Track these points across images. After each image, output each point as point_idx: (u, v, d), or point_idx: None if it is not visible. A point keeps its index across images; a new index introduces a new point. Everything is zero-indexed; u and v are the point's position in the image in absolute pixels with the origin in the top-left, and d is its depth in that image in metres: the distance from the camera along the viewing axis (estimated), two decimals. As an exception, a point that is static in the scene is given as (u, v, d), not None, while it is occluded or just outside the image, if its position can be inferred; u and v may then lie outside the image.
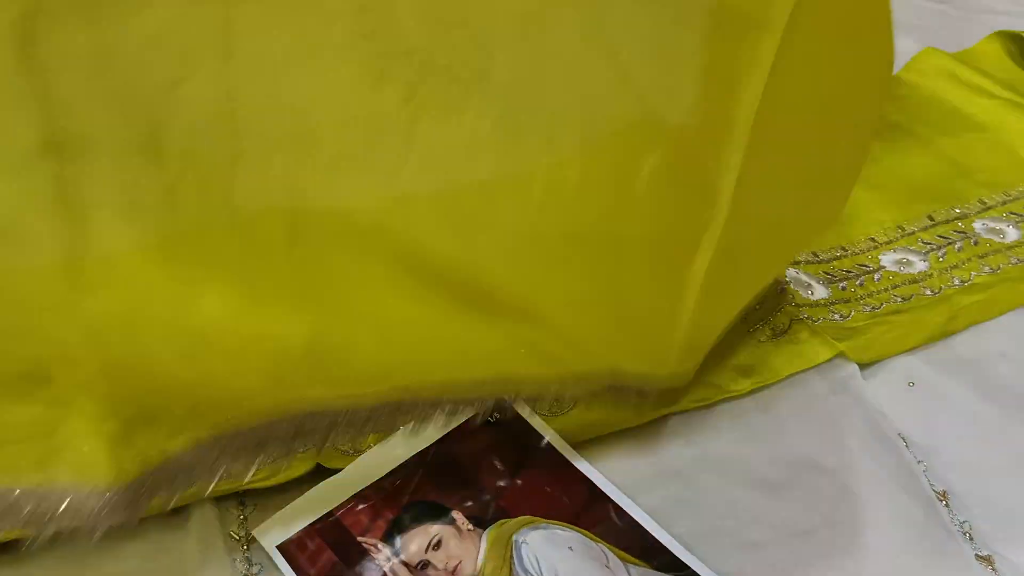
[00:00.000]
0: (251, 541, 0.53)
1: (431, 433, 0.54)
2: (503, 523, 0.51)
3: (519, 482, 0.53)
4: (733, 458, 0.57)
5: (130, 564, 0.53)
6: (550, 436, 0.54)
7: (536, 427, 0.55)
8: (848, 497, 0.55)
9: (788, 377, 0.61)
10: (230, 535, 0.54)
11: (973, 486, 0.55)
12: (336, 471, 0.55)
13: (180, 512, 0.54)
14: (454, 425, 0.55)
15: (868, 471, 0.56)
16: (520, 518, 0.52)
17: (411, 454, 0.55)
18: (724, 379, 0.61)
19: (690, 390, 0.60)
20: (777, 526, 0.54)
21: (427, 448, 0.55)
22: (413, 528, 0.52)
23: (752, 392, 0.61)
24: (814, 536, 0.53)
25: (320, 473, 0.55)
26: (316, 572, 0.51)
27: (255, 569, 0.52)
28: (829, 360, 0.60)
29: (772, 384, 0.61)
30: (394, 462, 0.54)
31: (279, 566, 0.51)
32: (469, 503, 0.53)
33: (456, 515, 0.52)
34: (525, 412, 0.55)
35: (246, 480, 0.53)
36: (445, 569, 0.50)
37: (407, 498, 0.53)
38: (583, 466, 0.54)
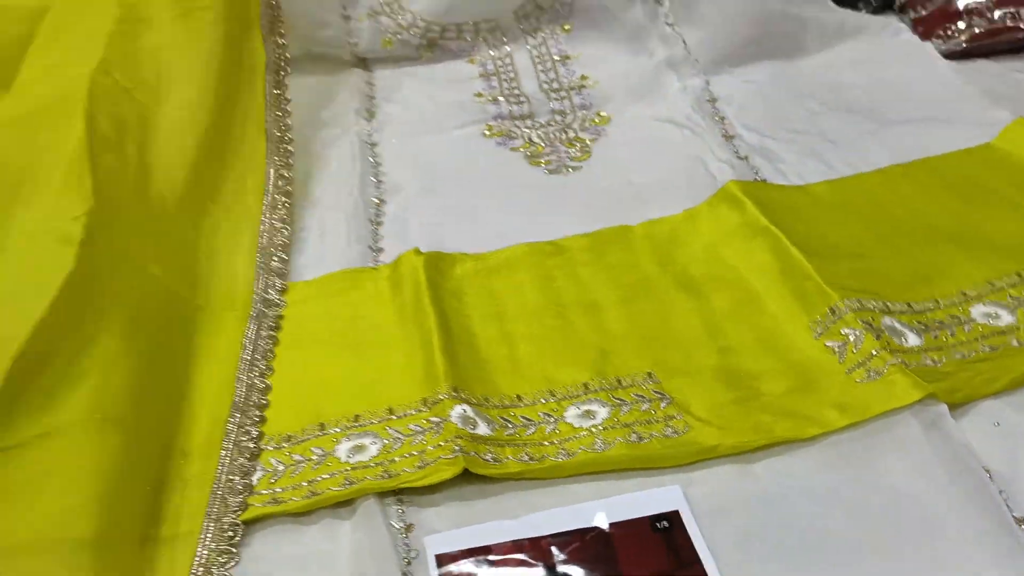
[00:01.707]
0: (408, 529, 0.63)
1: (600, 516, 0.62)
2: None
3: None
4: (826, 484, 0.64)
5: (307, 547, 0.63)
6: (704, 554, 0.60)
7: (697, 544, 0.61)
8: (933, 522, 0.61)
9: (882, 415, 0.67)
10: (390, 525, 0.63)
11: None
12: (480, 476, 0.64)
13: (348, 504, 0.64)
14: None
15: (953, 498, 0.62)
16: None
17: (577, 525, 0.62)
18: (823, 415, 0.68)
19: (790, 424, 0.67)
20: (864, 547, 0.60)
21: (592, 526, 0.62)
22: (551, 590, 0.60)
23: (848, 427, 0.67)
24: (899, 556, 0.59)
25: (466, 476, 0.64)
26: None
27: (412, 555, 0.61)
28: (921, 400, 0.66)
29: (867, 421, 0.67)
30: (559, 527, 0.62)
31: (431, 570, 0.61)
32: (608, 585, 0.59)
33: (594, 592, 0.59)
34: (691, 525, 0.62)
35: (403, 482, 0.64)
36: None
37: (556, 561, 0.61)
38: None
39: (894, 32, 1.18)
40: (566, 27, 1.23)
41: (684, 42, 1.16)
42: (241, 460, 0.67)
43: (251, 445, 0.68)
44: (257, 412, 0.71)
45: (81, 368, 0.64)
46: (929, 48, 1.14)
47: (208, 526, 0.62)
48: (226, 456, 0.67)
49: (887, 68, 1.13)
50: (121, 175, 0.80)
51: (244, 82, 0.99)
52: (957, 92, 1.07)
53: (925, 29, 1.17)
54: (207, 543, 0.61)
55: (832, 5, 1.23)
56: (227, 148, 0.93)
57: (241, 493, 0.64)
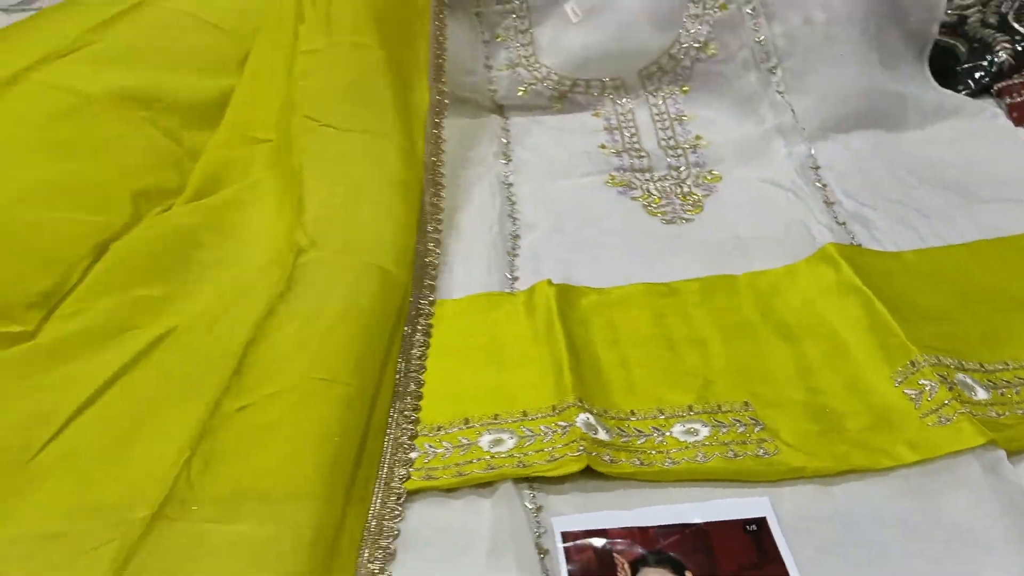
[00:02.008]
0: (539, 510, 0.77)
1: (699, 515, 0.75)
2: None
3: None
4: (894, 511, 0.75)
5: (453, 518, 0.77)
6: (786, 554, 0.72)
7: (780, 546, 0.73)
8: (986, 553, 0.71)
9: (948, 455, 0.78)
10: (524, 505, 0.77)
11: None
12: (599, 473, 0.77)
13: (488, 486, 0.78)
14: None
15: (1005, 533, 0.72)
16: None
17: (678, 521, 0.75)
18: (896, 450, 0.79)
19: (867, 455, 0.79)
20: (922, 569, 0.71)
21: (692, 523, 0.75)
22: (654, 567, 0.72)
23: (918, 464, 0.78)
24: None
25: (587, 472, 0.78)
26: (577, 559, 0.72)
27: (542, 530, 0.75)
28: (983, 445, 0.77)
29: (935, 459, 0.78)
30: (664, 520, 0.75)
31: (556, 543, 0.74)
32: (702, 571, 0.71)
33: (688, 574, 0.71)
34: (776, 531, 0.74)
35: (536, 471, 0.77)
36: None
37: (661, 546, 0.74)
38: None
39: (990, 116, 1.28)
40: (684, 89, 1.37)
41: (793, 111, 1.28)
42: (403, 439, 0.82)
43: (410, 428, 0.83)
44: (413, 402, 0.86)
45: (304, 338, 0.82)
46: (1021, 133, 1.24)
47: (378, 491, 0.77)
48: (390, 436, 0.82)
49: (981, 149, 1.22)
50: None
51: (412, 118, 1.15)
52: (1045, 177, 1.16)
53: (1019, 115, 1.26)
54: (377, 505, 0.76)
55: (934, 85, 1.33)
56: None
57: (404, 466, 0.79)
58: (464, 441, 0.83)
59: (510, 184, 1.23)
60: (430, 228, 1.08)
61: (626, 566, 0.72)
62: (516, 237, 1.12)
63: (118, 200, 1.02)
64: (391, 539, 0.74)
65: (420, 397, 0.87)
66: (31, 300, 0.90)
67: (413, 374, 0.89)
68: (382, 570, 0.71)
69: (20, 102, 1.07)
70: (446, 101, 1.25)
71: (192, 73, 1.18)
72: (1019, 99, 1.29)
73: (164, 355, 0.86)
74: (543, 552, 0.73)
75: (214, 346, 0.85)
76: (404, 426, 0.83)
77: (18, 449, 0.77)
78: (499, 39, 1.38)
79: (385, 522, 0.75)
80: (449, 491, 0.79)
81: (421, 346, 0.93)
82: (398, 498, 0.77)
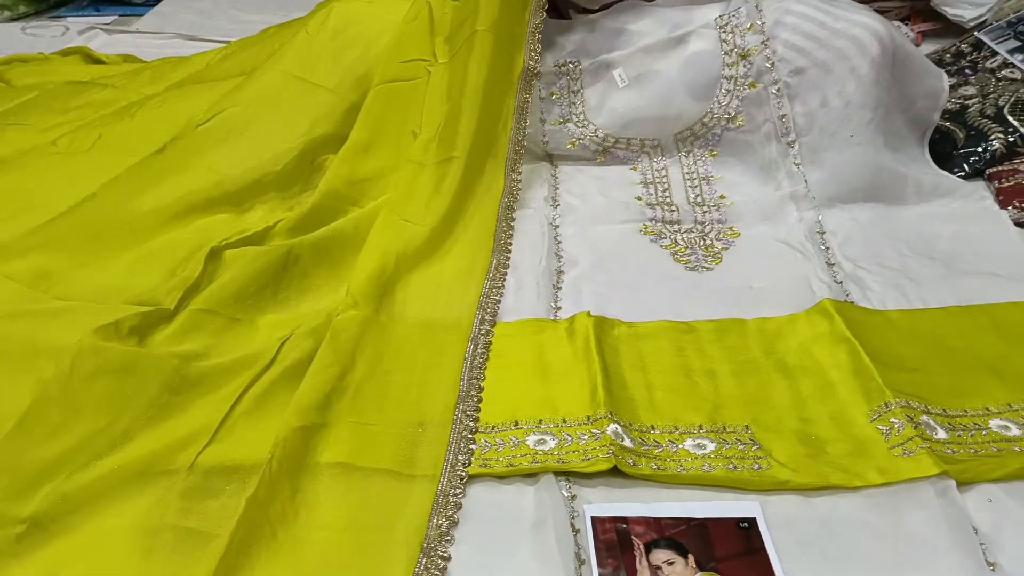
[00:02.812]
0: (573, 498, 0.95)
1: (701, 512, 0.93)
2: (713, 574, 0.88)
3: (736, 561, 0.89)
4: (862, 519, 0.93)
5: (504, 498, 0.96)
6: (769, 546, 0.90)
7: (765, 539, 0.90)
8: (932, 556, 0.89)
9: (909, 480, 0.96)
10: (562, 494, 0.95)
11: (1018, 563, 0.88)
12: (623, 473, 0.96)
13: (533, 476, 0.97)
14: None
15: (949, 543, 0.90)
16: None
17: (685, 515, 0.93)
18: (867, 474, 0.97)
19: (843, 476, 0.97)
20: (882, 562, 0.89)
21: (696, 517, 0.93)
22: (664, 549, 0.90)
23: (883, 484, 0.96)
24: (903, 571, 0.88)
25: (614, 471, 0.96)
26: (602, 537, 0.91)
27: (576, 514, 0.93)
28: (938, 475, 0.95)
29: (897, 483, 0.96)
30: (672, 514, 0.93)
31: (587, 524, 0.92)
32: (701, 554, 0.89)
33: (690, 556, 0.90)
34: (763, 529, 0.92)
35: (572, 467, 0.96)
36: None
37: (669, 533, 0.92)
38: (779, 572, 0.87)
39: (979, 198, 1.44)
40: (713, 153, 1.55)
41: (806, 180, 1.46)
42: (465, 433, 1.00)
43: (471, 424, 1.02)
44: (474, 404, 1.05)
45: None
46: (1005, 215, 1.40)
47: (445, 471, 0.96)
48: (456, 427, 1.01)
49: (969, 226, 1.38)
50: None
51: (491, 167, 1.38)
52: (1021, 255, 1.33)
53: (1005, 199, 1.42)
54: (444, 482, 0.95)
55: (933, 167, 1.50)
56: (470, 224, 1.31)
57: (466, 454, 0.98)
58: (514, 440, 1.01)
59: (557, 225, 1.42)
60: (494, 263, 1.28)
61: (641, 546, 0.90)
62: (560, 272, 1.31)
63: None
64: (455, 509, 0.92)
65: (480, 400, 1.06)
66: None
67: (475, 381, 1.08)
68: (448, 531, 0.90)
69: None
70: (519, 152, 1.46)
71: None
72: (1007, 184, 1.45)
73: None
74: (576, 530, 0.91)
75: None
76: (467, 423, 1.02)
77: None
78: (553, 96, 1.57)
79: (450, 497, 0.93)
80: (501, 478, 0.98)
81: (482, 359, 1.11)
82: (461, 478, 0.95)
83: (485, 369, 1.11)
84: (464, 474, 0.96)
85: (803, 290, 1.26)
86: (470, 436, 1.01)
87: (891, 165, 1.45)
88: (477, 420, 1.03)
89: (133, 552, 0.86)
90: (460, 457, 0.97)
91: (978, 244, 1.35)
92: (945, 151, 1.54)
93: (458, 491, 0.94)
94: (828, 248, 1.35)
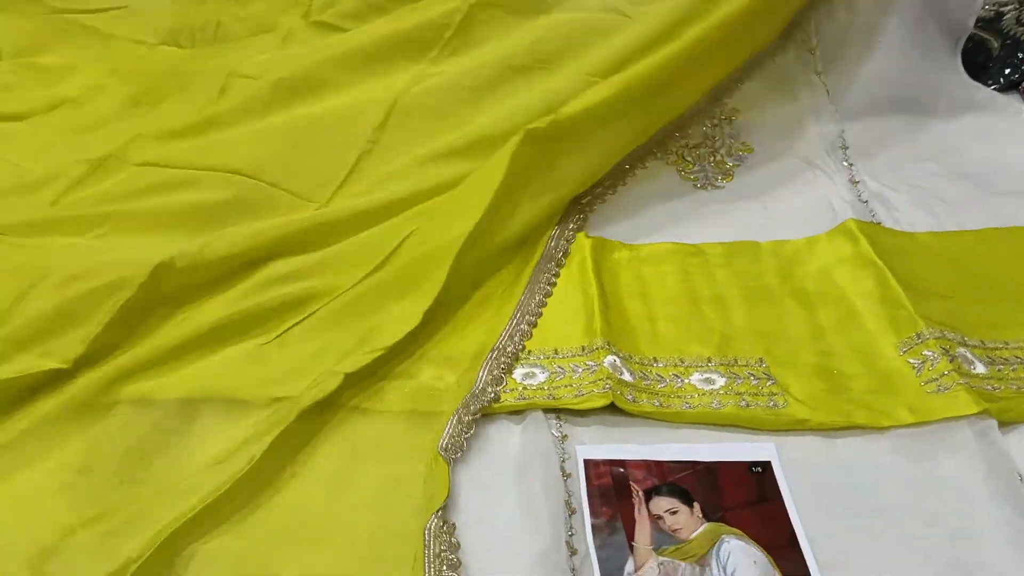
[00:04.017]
0: (564, 438, 0.84)
1: (710, 455, 0.83)
2: (721, 525, 0.77)
3: (747, 510, 0.79)
4: (890, 464, 0.83)
5: (487, 439, 0.85)
6: (786, 493, 0.80)
7: (781, 486, 0.80)
8: (970, 505, 0.79)
9: (943, 420, 0.85)
10: (551, 433, 0.84)
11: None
12: (621, 410, 0.85)
13: (519, 413, 0.86)
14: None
15: (989, 491, 0.79)
16: (734, 529, 0.77)
17: (691, 458, 0.83)
18: (896, 412, 0.86)
19: (869, 414, 0.86)
20: (910, 513, 0.78)
21: (703, 461, 0.82)
22: (666, 496, 0.80)
23: (914, 425, 0.85)
24: (935, 524, 0.77)
25: (610, 408, 0.85)
26: (596, 483, 0.80)
27: (566, 456, 0.83)
28: (977, 414, 0.84)
29: (931, 422, 0.85)
30: (677, 457, 0.83)
31: (579, 468, 0.81)
32: (708, 503, 0.79)
33: (696, 505, 0.79)
34: (779, 473, 0.81)
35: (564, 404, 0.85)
36: (669, 527, 0.77)
37: (673, 478, 0.81)
38: (796, 523, 0.77)
39: (1015, 112, 1.32)
40: (725, 62, 1.41)
41: (827, 91, 1.33)
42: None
43: None
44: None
45: None
46: (1043, 131, 1.28)
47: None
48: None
49: (1004, 143, 1.26)
50: None
51: None
52: (1062, 174, 1.21)
53: (1043, 114, 1.31)
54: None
55: (966, 78, 1.37)
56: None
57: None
58: (499, 372, 0.90)
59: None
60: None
61: (640, 493, 0.79)
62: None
63: None
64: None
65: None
66: None
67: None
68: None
69: None
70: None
71: None
72: (1044, 98, 1.33)
73: None
74: (567, 475, 0.81)
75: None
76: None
77: None
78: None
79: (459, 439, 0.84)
80: (486, 415, 0.86)
81: None
82: (471, 422, 0.86)
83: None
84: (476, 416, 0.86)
85: (824, 210, 1.14)
86: None
87: (921, 74, 1.32)
88: None
89: None
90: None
91: (1014, 162, 1.23)
92: (978, 61, 1.40)
93: (469, 431, 0.85)
94: (851, 165, 1.23)
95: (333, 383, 0.83)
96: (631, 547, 0.75)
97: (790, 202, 1.17)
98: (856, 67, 1.32)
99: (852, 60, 1.33)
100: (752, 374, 0.91)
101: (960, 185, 1.19)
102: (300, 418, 0.81)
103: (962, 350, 0.91)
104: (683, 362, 0.92)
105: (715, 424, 0.86)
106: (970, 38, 1.39)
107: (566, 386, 0.88)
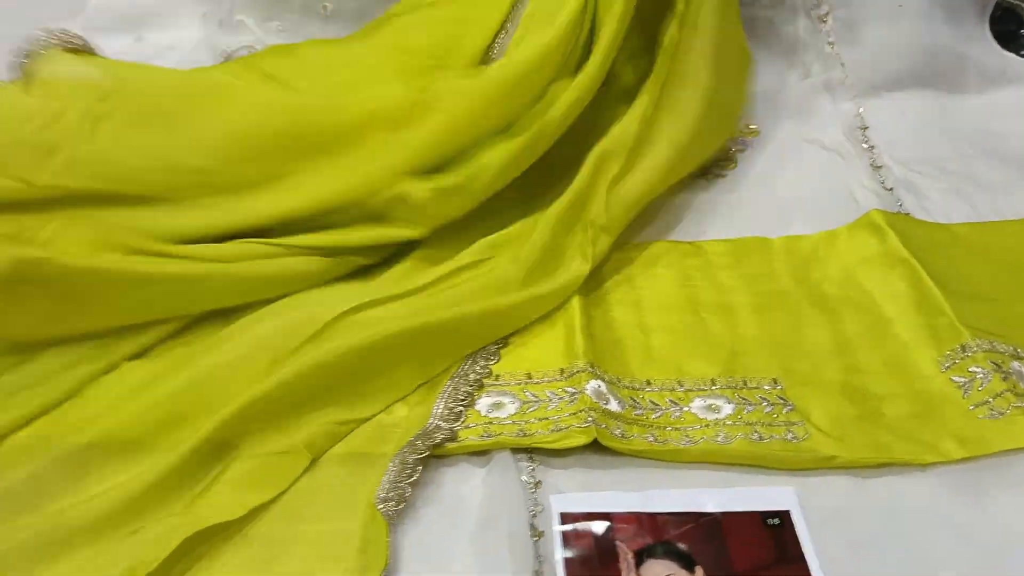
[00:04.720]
0: (537, 485, 0.69)
1: (715, 504, 0.67)
2: None
3: (762, 574, 0.63)
4: (939, 511, 0.67)
5: (444, 487, 0.69)
6: (809, 554, 0.64)
7: (804, 543, 0.65)
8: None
9: (1000, 453, 0.70)
10: (521, 479, 0.69)
11: None
12: (606, 448, 0.69)
13: (484, 454, 0.71)
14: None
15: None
16: None
17: (692, 508, 0.67)
18: (942, 444, 0.71)
19: (909, 447, 0.70)
20: (966, 568, 0.63)
21: (707, 512, 0.67)
22: (661, 559, 0.64)
23: (966, 460, 0.70)
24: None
25: (594, 446, 0.69)
26: (575, 544, 0.65)
27: (538, 508, 0.67)
28: (1041, 445, 0.69)
29: (985, 456, 0.70)
30: (675, 507, 0.67)
31: (553, 524, 0.66)
32: (714, 566, 0.63)
33: (699, 570, 0.64)
34: (800, 526, 0.66)
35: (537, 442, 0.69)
36: None
37: (669, 536, 0.65)
38: None
39: (1055, 84, 1.17)
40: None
41: (842, 64, 1.17)
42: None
43: None
44: None
45: None
46: (1087, 105, 1.13)
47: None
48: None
49: (1046, 120, 1.12)
50: None
51: None
52: (1114, 152, 1.06)
53: (1086, 85, 1.16)
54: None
55: (997, 47, 1.22)
56: None
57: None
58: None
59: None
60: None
61: (630, 556, 0.64)
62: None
63: None
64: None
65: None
66: None
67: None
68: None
69: None
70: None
71: None
72: (1089, 67, 1.18)
73: None
74: (537, 534, 0.65)
75: None
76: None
77: None
78: None
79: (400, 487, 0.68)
80: (441, 456, 0.71)
81: None
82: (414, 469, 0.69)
83: None
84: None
85: (843, 200, 0.99)
86: None
87: (948, 43, 1.17)
88: None
89: None
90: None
91: (1058, 140, 1.07)
92: (1008, 30, 1.25)
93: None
94: (872, 147, 1.07)
95: None
96: (619, 628, 0.60)
97: (804, 191, 1.01)
98: (874, 36, 1.17)
99: (869, 29, 1.17)
100: (765, 399, 0.75)
101: (999, 168, 1.04)
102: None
103: (1017, 364, 0.76)
104: (682, 385, 0.77)
105: (722, 463, 0.71)
106: (998, 5, 1.25)
107: (540, 419, 0.73)
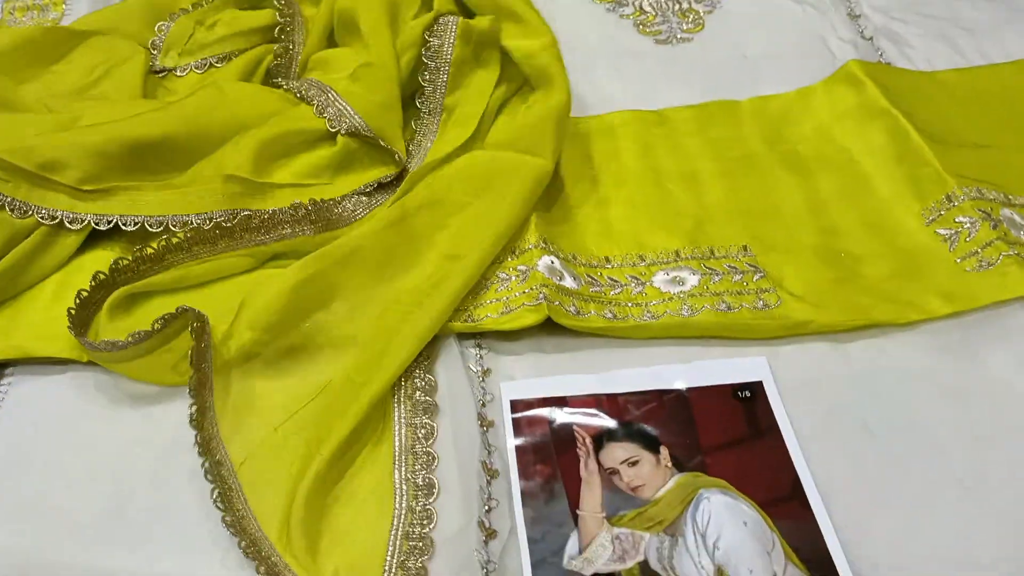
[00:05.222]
0: (486, 373, 0.63)
1: (681, 379, 0.62)
2: (698, 475, 0.57)
3: (733, 451, 0.58)
4: (924, 370, 0.62)
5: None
6: (784, 424, 0.59)
7: (778, 415, 0.59)
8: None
9: (990, 306, 0.64)
10: (468, 368, 0.63)
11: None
12: (560, 330, 0.63)
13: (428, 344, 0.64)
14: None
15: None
16: (716, 479, 0.56)
17: (655, 386, 0.61)
18: (926, 302, 0.65)
19: (890, 308, 0.64)
20: (960, 433, 0.58)
21: (672, 389, 0.61)
22: (623, 442, 0.59)
23: (953, 316, 0.64)
24: (997, 445, 0.57)
25: (546, 328, 0.63)
26: (528, 433, 0.59)
27: (488, 398, 0.62)
28: (1033, 293, 0.63)
29: (974, 310, 0.64)
30: (637, 386, 0.62)
31: (504, 413, 0.60)
32: (680, 446, 0.58)
33: (663, 450, 0.58)
34: (774, 397, 0.60)
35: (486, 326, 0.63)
36: (628, 484, 0.57)
37: (631, 417, 0.60)
38: (799, 463, 0.57)
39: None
40: None
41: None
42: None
43: None
44: None
45: None
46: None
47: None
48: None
49: (1035, -45, 1.03)
50: None
51: None
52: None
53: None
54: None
55: None
56: None
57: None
58: (401, 288, 0.68)
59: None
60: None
61: (588, 440, 0.59)
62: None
63: None
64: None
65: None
66: None
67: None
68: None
69: None
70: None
71: None
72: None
73: None
74: (487, 424, 0.60)
75: None
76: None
77: None
78: None
79: None
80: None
81: None
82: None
83: None
84: None
85: (818, 53, 0.91)
86: None
87: None
88: None
89: None
90: None
91: (1050, -25, 0.98)
92: None
93: None
94: (849, -4, 0.98)
95: None
96: (575, 518, 0.55)
97: (775, 47, 0.93)
98: None
99: None
100: (734, 267, 0.69)
101: (984, 8, 0.96)
102: None
103: (1007, 211, 0.70)
104: (644, 259, 0.71)
105: (687, 337, 0.65)
106: None
107: (489, 302, 0.67)
